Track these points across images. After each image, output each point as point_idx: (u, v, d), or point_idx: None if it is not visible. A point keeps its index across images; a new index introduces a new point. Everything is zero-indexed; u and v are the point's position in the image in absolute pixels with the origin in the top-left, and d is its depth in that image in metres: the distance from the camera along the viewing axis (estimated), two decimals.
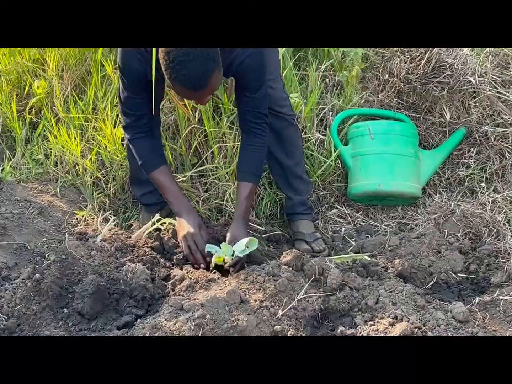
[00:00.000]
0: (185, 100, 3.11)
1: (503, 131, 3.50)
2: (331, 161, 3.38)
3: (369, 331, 2.22)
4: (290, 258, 2.57)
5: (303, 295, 2.42)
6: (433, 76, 3.44)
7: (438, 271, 2.79)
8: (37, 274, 2.45)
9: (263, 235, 3.18)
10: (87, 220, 3.23)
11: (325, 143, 3.46)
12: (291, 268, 2.54)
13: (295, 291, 2.45)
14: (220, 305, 2.29)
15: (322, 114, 3.56)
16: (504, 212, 3.18)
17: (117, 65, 2.71)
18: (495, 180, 3.46)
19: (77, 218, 3.26)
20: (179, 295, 2.44)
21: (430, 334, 2.15)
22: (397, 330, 2.15)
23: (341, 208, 3.48)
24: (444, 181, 3.55)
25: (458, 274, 2.80)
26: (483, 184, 3.39)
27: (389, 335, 2.15)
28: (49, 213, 3.22)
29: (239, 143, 3.11)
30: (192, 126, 3.30)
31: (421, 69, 3.41)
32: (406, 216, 3.38)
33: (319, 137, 3.45)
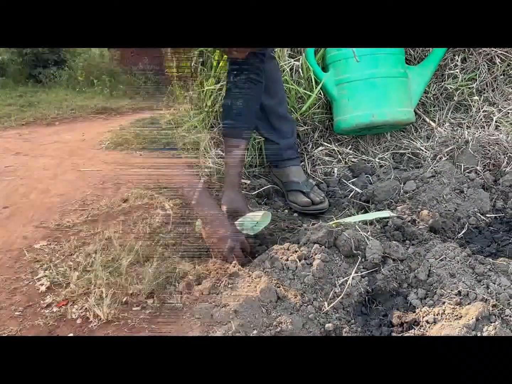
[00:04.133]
0: None
1: None
2: (316, 94, 2.89)
3: (435, 315, 1.90)
4: (321, 234, 2.16)
5: (344, 277, 2.06)
6: None
7: (466, 215, 2.48)
8: None
9: (252, 192, 2.73)
10: None
11: (301, 71, 2.96)
12: (323, 247, 2.14)
13: (334, 273, 2.08)
14: (254, 307, 1.93)
15: None
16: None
17: None
18: (485, 90, 3.12)
19: None
20: (202, 300, 2.01)
21: (508, 311, 1.86)
22: (472, 313, 1.83)
23: (328, 145, 3.04)
24: (431, 98, 3.17)
25: (487, 215, 2.50)
26: (475, 97, 3.06)
27: (463, 319, 1.83)
28: None
29: (210, 86, 2.60)
30: None
31: None
32: (399, 145, 3.01)
33: (293, 63, 2.94)
